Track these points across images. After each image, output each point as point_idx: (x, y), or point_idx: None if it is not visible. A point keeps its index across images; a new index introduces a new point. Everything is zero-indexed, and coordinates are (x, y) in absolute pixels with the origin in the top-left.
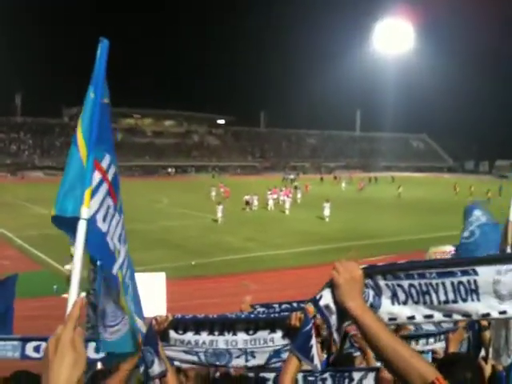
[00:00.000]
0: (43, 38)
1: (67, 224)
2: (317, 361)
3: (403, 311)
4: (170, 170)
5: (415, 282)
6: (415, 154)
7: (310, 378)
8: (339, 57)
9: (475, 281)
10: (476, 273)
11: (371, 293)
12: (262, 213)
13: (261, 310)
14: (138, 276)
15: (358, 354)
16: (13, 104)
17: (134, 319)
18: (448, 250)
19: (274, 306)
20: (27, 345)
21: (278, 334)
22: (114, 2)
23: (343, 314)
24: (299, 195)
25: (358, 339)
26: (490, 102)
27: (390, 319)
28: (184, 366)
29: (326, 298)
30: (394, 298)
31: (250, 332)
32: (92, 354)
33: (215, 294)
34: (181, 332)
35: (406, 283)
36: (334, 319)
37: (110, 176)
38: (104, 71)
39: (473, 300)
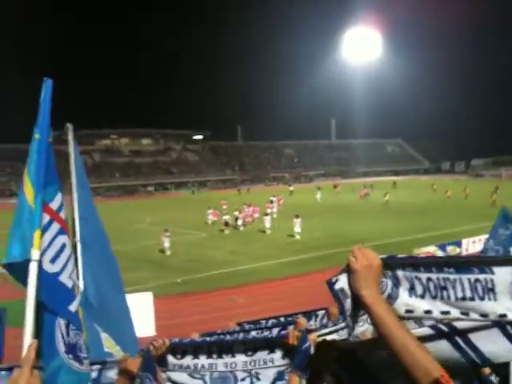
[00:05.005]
0: (17, 63)
1: (19, 270)
2: None
3: (421, 305)
4: (149, 188)
5: (433, 276)
6: (391, 159)
7: None
8: (311, 68)
9: (492, 280)
10: (492, 272)
11: (389, 283)
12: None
13: (247, 326)
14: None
15: None
16: None
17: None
18: (432, 250)
19: (261, 322)
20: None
21: (278, 354)
22: (89, 22)
23: (356, 300)
24: (275, 209)
25: None
26: (462, 103)
27: (407, 311)
28: None
29: (342, 282)
30: (412, 290)
31: (249, 353)
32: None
33: (204, 311)
34: (179, 356)
35: (424, 276)
36: (348, 303)
37: (62, 214)
38: (49, 111)
39: (489, 299)
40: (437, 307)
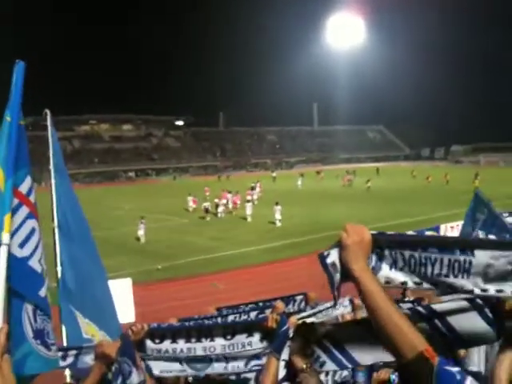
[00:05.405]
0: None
1: None
2: None
3: (398, 276)
4: (130, 173)
5: (416, 254)
6: (372, 145)
7: None
8: (293, 53)
9: (470, 261)
10: (473, 254)
11: (374, 257)
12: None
13: (226, 311)
14: None
15: None
16: None
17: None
18: None
19: (240, 307)
20: None
21: (256, 338)
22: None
23: (346, 274)
24: (255, 196)
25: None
26: (443, 90)
27: (386, 282)
28: (165, 375)
29: (333, 256)
30: (393, 264)
31: (228, 337)
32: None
33: (184, 296)
34: (157, 341)
35: (407, 253)
36: (337, 277)
37: (32, 198)
38: (21, 93)
39: (462, 277)
40: (411, 279)
